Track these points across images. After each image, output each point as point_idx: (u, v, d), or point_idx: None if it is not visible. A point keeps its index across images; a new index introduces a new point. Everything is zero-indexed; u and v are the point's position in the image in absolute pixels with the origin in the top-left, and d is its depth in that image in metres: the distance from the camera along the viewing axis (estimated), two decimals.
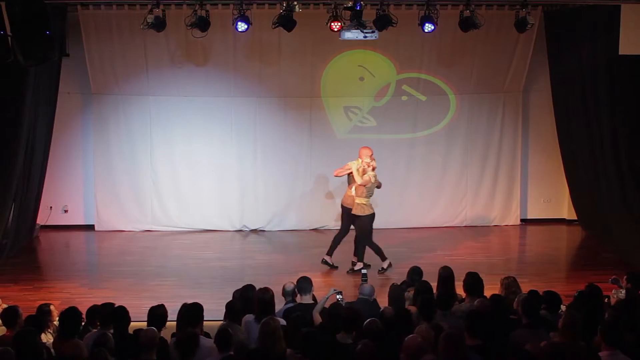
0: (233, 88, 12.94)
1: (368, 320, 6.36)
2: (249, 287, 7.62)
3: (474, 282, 7.54)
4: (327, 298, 7.42)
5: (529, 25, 10.55)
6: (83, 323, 6.79)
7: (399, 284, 8.44)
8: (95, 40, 12.43)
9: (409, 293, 7.83)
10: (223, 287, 9.20)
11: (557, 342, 5.92)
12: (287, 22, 10.06)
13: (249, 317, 7.04)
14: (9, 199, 11.15)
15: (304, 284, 7.71)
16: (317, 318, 7.14)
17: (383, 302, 8.03)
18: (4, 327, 6.97)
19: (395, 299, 8.09)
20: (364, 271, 9.50)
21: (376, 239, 10.71)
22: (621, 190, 11.53)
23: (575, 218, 13.34)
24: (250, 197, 13.21)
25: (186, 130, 12.99)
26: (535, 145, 13.72)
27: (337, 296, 7.47)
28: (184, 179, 13.12)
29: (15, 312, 6.84)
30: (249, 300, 7.30)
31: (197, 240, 12.67)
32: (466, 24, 10.40)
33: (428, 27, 10.27)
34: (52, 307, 7.23)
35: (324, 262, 10.91)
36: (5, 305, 7.95)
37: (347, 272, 10.72)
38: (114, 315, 6.63)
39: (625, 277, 8.13)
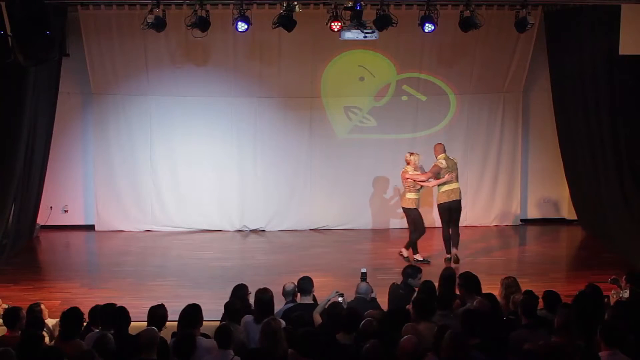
0: (233, 88, 12.94)
1: (364, 320, 6.37)
2: (240, 287, 7.64)
3: (468, 280, 7.56)
4: (329, 300, 7.41)
5: (529, 25, 10.55)
6: (85, 323, 6.79)
7: (399, 283, 8.44)
8: (95, 40, 12.43)
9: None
10: (223, 287, 9.19)
11: (554, 342, 5.93)
12: (287, 22, 10.06)
13: (248, 318, 7.04)
14: (9, 199, 11.15)
15: (304, 284, 7.71)
16: (318, 319, 7.13)
17: (384, 302, 8.04)
18: (4, 327, 6.97)
19: (395, 299, 8.10)
20: (363, 270, 9.54)
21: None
22: (621, 190, 11.53)
23: (575, 218, 13.34)
24: (250, 197, 13.21)
25: (186, 130, 12.99)
26: (535, 145, 13.72)
27: (339, 298, 7.46)
28: (184, 178, 13.13)
29: (17, 313, 6.84)
30: (241, 299, 7.34)
31: (197, 240, 12.67)
32: (466, 24, 10.40)
33: (428, 27, 10.28)
34: (42, 307, 7.23)
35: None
36: (5, 306, 7.95)
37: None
38: (114, 315, 6.64)
39: (624, 277, 8.14)
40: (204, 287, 10.05)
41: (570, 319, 6.12)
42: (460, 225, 13.33)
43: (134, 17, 11.88)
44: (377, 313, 6.95)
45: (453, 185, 11.20)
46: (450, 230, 11.32)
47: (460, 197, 11.33)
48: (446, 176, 11.08)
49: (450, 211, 11.29)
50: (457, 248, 11.30)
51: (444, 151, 11.27)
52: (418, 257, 11.22)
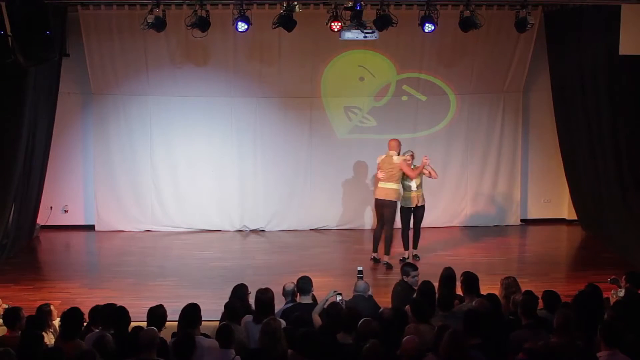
0: (233, 88, 12.93)
1: (363, 320, 6.38)
2: (239, 287, 7.65)
3: (469, 281, 7.57)
4: (327, 300, 7.42)
5: (529, 25, 10.55)
6: (85, 323, 6.80)
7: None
8: (95, 40, 12.43)
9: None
10: (223, 287, 9.21)
11: (553, 342, 5.93)
12: (287, 22, 10.06)
13: (247, 318, 7.05)
14: (9, 199, 11.15)
15: (304, 284, 7.72)
16: (317, 320, 7.13)
17: (381, 301, 8.04)
18: (4, 327, 6.97)
19: (393, 297, 8.11)
20: (359, 268, 9.57)
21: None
22: (621, 190, 11.54)
23: (575, 218, 13.34)
24: (250, 197, 13.21)
25: (186, 130, 12.99)
26: (535, 145, 13.72)
27: (337, 297, 7.47)
28: (184, 179, 13.12)
29: (17, 313, 6.84)
30: (241, 299, 7.35)
31: (197, 240, 12.66)
32: (466, 24, 10.39)
33: (428, 27, 10.27)
34: (52, 307, 7.24)
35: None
36: (5, 306, 7.96)
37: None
38: (114, 315, 6.64)
39: (624, 277, 8.14)
40: (204, 287, 10.04)
41: (570, 319, 6.12)
42: (460, 225, 13.51)
43: (134, 17, 11.88)
44: (388, 312, 6.96)
45: (381, 184, 10.99)
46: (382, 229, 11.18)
47: (387, 199, 10.93)
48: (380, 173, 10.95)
49: (377, 209, 11.19)
50: (387, 253, 11.14)
51: (394, 148, 11.05)
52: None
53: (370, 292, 7.90)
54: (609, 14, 10.72)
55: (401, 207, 11.21)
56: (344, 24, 10.05)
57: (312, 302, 7.66)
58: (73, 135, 13.12)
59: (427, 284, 7.58)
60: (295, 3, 9.98)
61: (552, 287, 7.97)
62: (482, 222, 13.56)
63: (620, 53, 10.43)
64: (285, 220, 13.31)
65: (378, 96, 13.15)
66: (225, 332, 6.17)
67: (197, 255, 11.81)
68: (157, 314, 6.67)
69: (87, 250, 12.79)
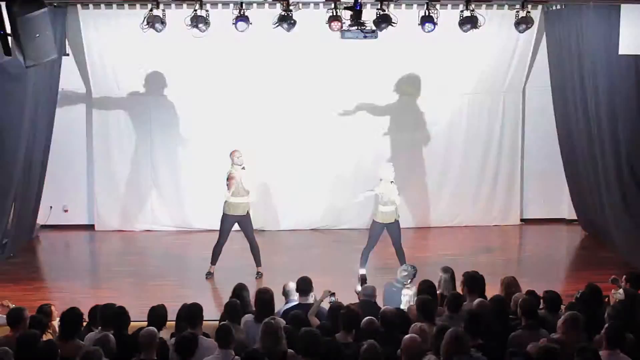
0: (233, 88, 12.92)
1: (366, 319, 6.37)
2: (239, 287, 7.65)
3: (473, 282, 7.56)
4: (321, 300, 7.42)
5: (529, 25, 10.56)
6: (85, 323, 6.80)
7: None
8: (95, 40, 12.43)
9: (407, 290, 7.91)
10: (223, 287, 9.21)
11: (554, 342, 5.93)
12: (287, 22, 10.07)
13: (248, 317, 7.05)
14: (9, 199, 11.16)
15: (303, 285, 7.72)
16: (314, 321, 7.11)
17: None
18: (7, 327, 6.97)
19: (389, 299, 8.12)
20: (361, 272, 9.54)
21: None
22: (621, 190, 11.53)
23: (575, 218, 13.34)
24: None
25: (186, 130, 12.99)
26: (535, 145, 13.71)
27: (330, 298, 7.46)
28: (184, 178, 13.13)
29: (20, 313, 6.83)
30: (241, 299, 7.36)
31: (197, 240, 12.66)
32: (466, 24, 10.40)
33: (428, 27, 10.28)
34: (52, 308, 7.25)
35: None
36: (12, 305, 7.96)
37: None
38: (113, 315, 6.64)
39: (624, 277, 8.15)
40: (204, 287, 10.05)
41: (579, 320, 6.12)
42: (460, 225, 13.48)
43: (134, 17, 11.86)
44: (391, 312, 6.96)
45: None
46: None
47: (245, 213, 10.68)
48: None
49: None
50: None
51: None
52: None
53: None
54: (608, 14, 10.71)
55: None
56: (344, 24, 10.05)
57: (312, 302, 7.65)
58: (73, 135, 13.11)
59: (427, 283, 7.57)
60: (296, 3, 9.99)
61: (552, 287, 7.95)
62: (482, 222, 13.55)
63: (619, 53, 10.44)
64: (285, 220, 13.31)
65: (378, 96, 13.13)
66: (224, 332, 6.17)
67: (197, 255, 11.80)
68: (158, 314, 6.68)
69: (87, 250, 12.80)
